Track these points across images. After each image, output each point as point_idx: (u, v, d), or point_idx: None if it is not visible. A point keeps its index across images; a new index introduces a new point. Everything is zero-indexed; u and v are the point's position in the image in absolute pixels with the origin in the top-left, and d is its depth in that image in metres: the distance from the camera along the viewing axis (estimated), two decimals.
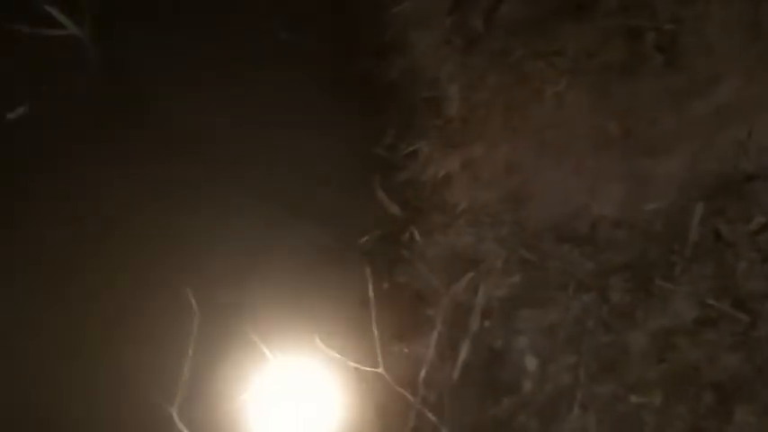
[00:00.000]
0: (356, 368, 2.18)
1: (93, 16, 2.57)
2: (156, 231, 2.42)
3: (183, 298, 2.21)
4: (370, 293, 2.28)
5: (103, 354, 2.31)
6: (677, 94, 2.36)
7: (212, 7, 2.64)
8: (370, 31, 2.63)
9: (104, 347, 2.33)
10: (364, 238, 2.50)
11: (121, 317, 2.34)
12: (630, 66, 2.42)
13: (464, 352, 2.31)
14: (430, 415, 2.11)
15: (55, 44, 2.57)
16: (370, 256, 2.48)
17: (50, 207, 2.47)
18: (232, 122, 2.54)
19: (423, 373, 2.25)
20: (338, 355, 2.17)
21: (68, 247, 2.45)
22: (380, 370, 2.19)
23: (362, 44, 2.62)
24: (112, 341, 2.32)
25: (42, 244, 2.45)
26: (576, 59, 2.47)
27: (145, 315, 2.34)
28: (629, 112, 2.39)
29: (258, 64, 2.61)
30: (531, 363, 2.28)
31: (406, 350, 2.37)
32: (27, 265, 2.42)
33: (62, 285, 2.40)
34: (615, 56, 2.46)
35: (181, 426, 2.03)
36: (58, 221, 2.46)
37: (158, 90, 2.58)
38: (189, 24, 2.64)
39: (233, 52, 2.60)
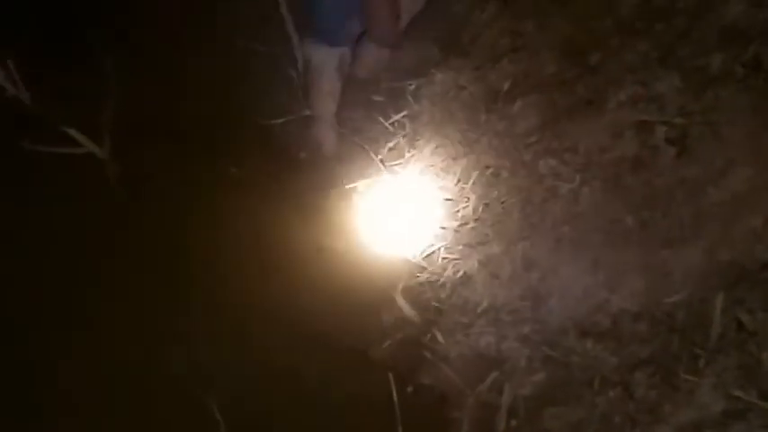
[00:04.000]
0: None
1: (112, 135, 2.90)
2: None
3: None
4: (395, 397, 2.52)
5: None
6: (691, 185, 2.62)
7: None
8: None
9: None
10: (386, 343, 2.75)
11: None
12: (643, 159, 2.70)
13: None
14: None
15: (74, 162, 2.88)
16: (393, 359, 2.70)
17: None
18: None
19: None
20: None
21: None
22: None
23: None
24: None
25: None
26: (589, 155, 2.76)
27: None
28: (645, 205, 2.66)
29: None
30: None
31: None
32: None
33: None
34: (627, 150, 2.74)
35: None
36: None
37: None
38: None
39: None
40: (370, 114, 2.94)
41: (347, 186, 2.96)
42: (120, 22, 3.11)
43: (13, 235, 2.86)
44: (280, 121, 3.04)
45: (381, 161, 2.91)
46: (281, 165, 2.99)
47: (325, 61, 2.85)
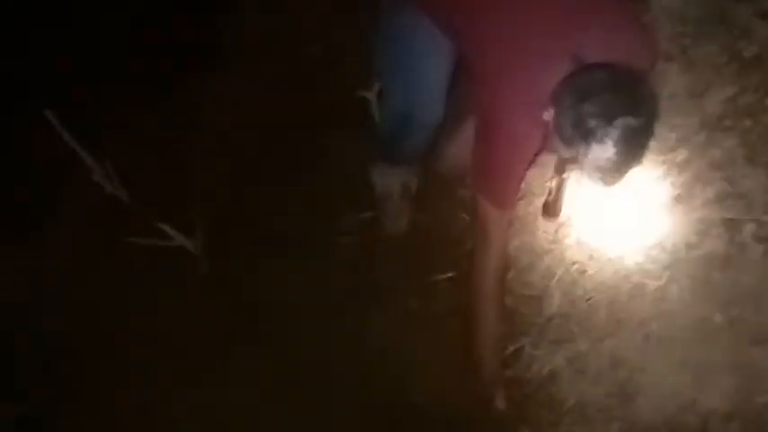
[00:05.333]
0: None
1: (205, 231, 3.10)
2: None
3: None
4: None
5: None
6: None
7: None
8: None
9: None
10: None
11: None
12: (731, 256, 2.80)
13: None
14: None
15: (167, 255, 3.09)
16: None
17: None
18: None
19: None
20: None
21: None
22: None
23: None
24: None
25: None
26: (677, 252, 2.86)
27: None
28: (733, 302, 2.75)
29: None
30: None
31: None
32: None
33: None
34: (715, 247, 2.84)
35: None
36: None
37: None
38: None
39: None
40: (452, 210, 3.04)
41: (433, 279, 3.02)
42: (218, 123, 3.27)
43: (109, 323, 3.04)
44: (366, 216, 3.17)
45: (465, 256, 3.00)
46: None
47: (390, 185, 2.97)
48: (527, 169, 2.29)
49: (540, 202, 2.97)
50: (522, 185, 2.46)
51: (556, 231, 2.97)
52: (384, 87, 2.71)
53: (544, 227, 3.00)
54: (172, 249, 3.03)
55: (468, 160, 2.44)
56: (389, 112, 2.69)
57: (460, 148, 2.76)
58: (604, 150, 1.94)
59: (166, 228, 2.97)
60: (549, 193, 2.85)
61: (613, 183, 2.05)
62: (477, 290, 2.50)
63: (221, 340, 3.00)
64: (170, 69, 3.37)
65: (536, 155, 2.26)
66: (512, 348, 2.85)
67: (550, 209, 2.86)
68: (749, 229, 2.71)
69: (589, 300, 2.83)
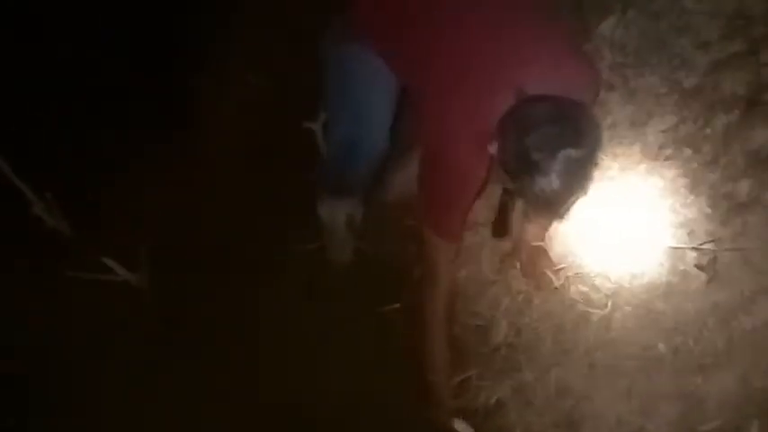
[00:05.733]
0: None
1: (151, 266, 3.07)
2: None
3: None
4: None
5: None
6: (722, 311, 2.74)
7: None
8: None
9: None
10: None
11: None
12: (673, 284, 2.83)
13: None
14: None
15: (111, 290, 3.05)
16: None
17: None
18: None
19: None
20: None
21: None
22: None
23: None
24: None
25: None
26: (620, 281, 2.89)
27: None
28: (676, 331, 2.78)
29: None
30: None
31: None
32: None
33: None
34: (658, 275, 2.87)
35: None
36: None
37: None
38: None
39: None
40: (398, 240, 3.04)
41: (379, 310, 3.03)
42: (162, 153, 3.25)
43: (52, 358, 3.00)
44: (312, 246, 3.15)
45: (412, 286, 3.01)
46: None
47: (335, 217, 2.97)
48: (473, 200, 2.30)
49: (485, 231, 2.96)
50: (469, 216, 2.42)
51: (501, 261, 2.95)
52: (330, 117, 2.70)
53: (490, 257, 2.97)
54: (116, 284, 2.95)
55: (413, 190, 2.41)
56: (335, 141, 2.70)
57: (406, 177, 2.78)
58: (548, 182, 1.95)
59: (110, 262, 2.91)
60: (499, 213, 2.85)
61: (558, 214, 2.06)
62: (425, 320, 2.52)
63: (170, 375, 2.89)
64: (111, 99, 3.27)
65: (482, 186, 2.26)
66: (459, 378, 2.83)
67: (500, 228, 2.85)
68: (691, 257, 2.75)
69: (536, 329, 2.80)
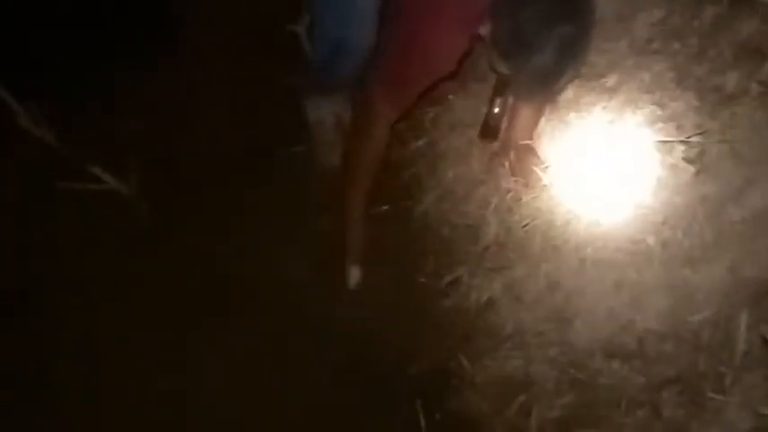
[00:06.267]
0: None
1: (137, 172, 3.05)
2: None
3: None
4: (423, 425, 2.65)
5: None
6: (711, 203, 2.74)
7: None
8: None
9: None
10: (413, 370, 2.87)
11: None
12: (662, 178, 2.83)
13: None
14: None
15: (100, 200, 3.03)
16: (420, 386, 2.82)
17: None
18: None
19: None
20: None
21: None
22: None
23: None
24: None
25: None
26: (609, 177, 2.88)
27: None
28: (665, 224, 2.78)
29: None
30: None
31: None
32: None
33: None
34: (647, 170, 2.86)
35: None
36: None
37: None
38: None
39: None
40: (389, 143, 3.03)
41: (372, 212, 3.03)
42: (146, 57, 3.20)
43: (40, 269, 3.00)
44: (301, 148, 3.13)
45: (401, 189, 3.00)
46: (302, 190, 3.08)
47: (323, 116, 2.95)
48: (429, 87, 2.26)
49: (473, 132, 2.95)
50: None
51: (490, 160, 2.94)
52: (316, 16, 2.66)
53: (478, 157, 2.95)
54: (104, 193, 2.93)
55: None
56: (321, 40, 2.68)
57: None
58: (542, 59, 1.92)
59: (99, 171, 2.88)
60: (488, 115, 2.83)
61: (552, 94, 2.04)
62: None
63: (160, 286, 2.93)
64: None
65: (445, 75, 2.23)
66: (449, 278, 2.84)
67: (489, 131, 2.84)
68: (679, 150, 2.74)
69: (525, 226, 2.80)
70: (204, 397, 2.84)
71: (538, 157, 2.85)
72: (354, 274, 2.82)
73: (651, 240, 2.71)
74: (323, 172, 3.10)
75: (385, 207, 3.01)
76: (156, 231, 3.05)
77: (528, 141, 2.83)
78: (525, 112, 2.76)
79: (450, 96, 3.15)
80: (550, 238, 2.83)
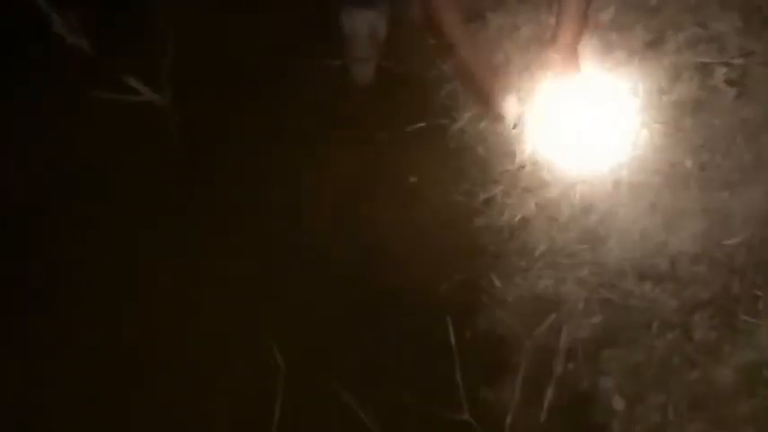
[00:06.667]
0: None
1: (171, 83, 3.04)
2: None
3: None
4: (453, 341, 2.66)
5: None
6: (751, 127, 2.71)
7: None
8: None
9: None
10: (444, 286, 2.88)
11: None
12: (702, 101, 2.79)
13: (550, 395, 2.62)
14: None
15: (134, 110, 3.03)
16: (451, 303, 2.83)
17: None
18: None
19: (509, 419, 2.60)
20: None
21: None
22: (466, 416, 2.56)
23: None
24: None
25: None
26: (648, 97, 2.85)
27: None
28: (704, 147, 2.76)
29: None
30: (618, 403, 2.60)
31: (491, 397, 2.70)
32: None
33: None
34: (686, 92, 2.83)
35: None
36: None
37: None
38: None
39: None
40: (426, 59, 2.99)
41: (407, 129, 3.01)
42: None
43: (72, 180, 3.02)
44: (337, 62, 3.10)
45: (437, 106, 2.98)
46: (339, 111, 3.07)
47: (357, 27, 2.91)
48: None
49: (509, 48, 2.91)
50: None
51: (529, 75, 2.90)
52: None
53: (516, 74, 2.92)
54: (138, 104, 2.92)
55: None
56: None
57: None
58: None
59: (133, 81, 2.87)
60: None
61: None
62: None
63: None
64: None
65: None
66: (483, 197, 2.84)
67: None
68: (721, 72, 2.72)
69: (560, 146, 2.78)
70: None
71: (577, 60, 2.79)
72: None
73: (688, 163, 2.68)
74: (357, 87, 3.02)
75: (421, 124, 2.95)
76: (188, 143, 2.99)
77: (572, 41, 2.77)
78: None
79: (487, 12, 3.09)
80: (585, 158, 2.79)
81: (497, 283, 2.82)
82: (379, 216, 2.96)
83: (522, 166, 2.86)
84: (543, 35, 2.92)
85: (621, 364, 2.62)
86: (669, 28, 2.83)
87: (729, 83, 2.69)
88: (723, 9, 2.77)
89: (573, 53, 2.72)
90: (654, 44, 2.83)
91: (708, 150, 2.67)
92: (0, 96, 3.12)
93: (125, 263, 2.97)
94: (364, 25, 2.85)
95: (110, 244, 3.00)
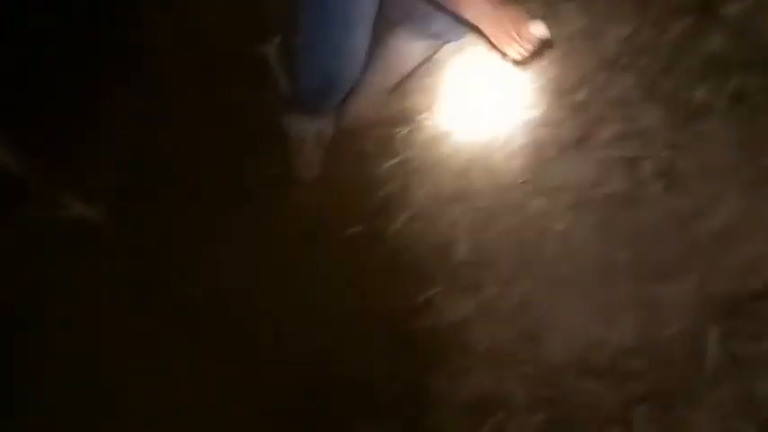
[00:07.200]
0: None
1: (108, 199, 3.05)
2: None
3: None
4: None
5: None
6: (680, 218, 2.77)
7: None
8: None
9: None
10: (387, 388, 2.88)
11: None
12: (632, 194, 2.84)
13: None
14: None
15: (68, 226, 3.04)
16: (395, 406, 2.83)
17: None
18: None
19: None
20: None
21: None
22: None
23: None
24: None
25: None
26: (580, 193, 2.90)
27: None
28: (636, 239, 2.80)
29: None
30: None
31: None
32: None
33: None
34: (617, 186, 2.88)
35: None
36: None
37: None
38: None
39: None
40: (359, 165, 3.04)
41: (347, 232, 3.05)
42: (111, 87, 3.21)
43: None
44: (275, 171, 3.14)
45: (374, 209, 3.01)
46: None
47: (305, 132, 2.96)
48: None
49: (445, 149, 2.95)
50: None
51: (462, 175, 2.94)
52: (307, 52, 2.67)
53: (450, 172, 2.96)
54: (72, 220, 2.93)
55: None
56: (313, 74, 2.70)
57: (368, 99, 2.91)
58: None
59: (67, 198, 2.89)
60: None
61: None
62: None
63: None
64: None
65: None
66: (422, 298, 2.83)
67: None
68: (649, 165, 2.77)
69: (497, 244, 2.82)
70: None
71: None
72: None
73: (622, 256, 2.72)
74: (301, 188, 3.05)
75: (358, 228, 2.97)
76: (124, 258, 3.00)
77: None
78: None
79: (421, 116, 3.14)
80: (522, 255, 2.84)
81: (442, 384, 2.77)
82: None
83: (460, 265, 2.86)
84: None
85: None
86: (596, 123, 2.84)
87: (657, 175, 2.74)
88: (647, 103, 2.81)
89: None
90: (583, 140, 2.83)
91: (639, 242, 2.69)
92: None
93: None
94: (312, 131, 2.88)
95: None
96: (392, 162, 3.05)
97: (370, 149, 3.01)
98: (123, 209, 3.02)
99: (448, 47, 2.88)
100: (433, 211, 2.98)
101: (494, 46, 2.30)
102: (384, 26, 2.65)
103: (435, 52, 2.95)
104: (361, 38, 2.55)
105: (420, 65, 2.90)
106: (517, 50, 2.30)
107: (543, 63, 2.95)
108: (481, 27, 2.33)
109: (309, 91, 2.74)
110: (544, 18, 2.38)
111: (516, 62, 2.35)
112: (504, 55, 2.32)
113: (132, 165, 3.10)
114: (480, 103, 3.01)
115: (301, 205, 3.08)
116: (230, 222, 3.03)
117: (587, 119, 2.92)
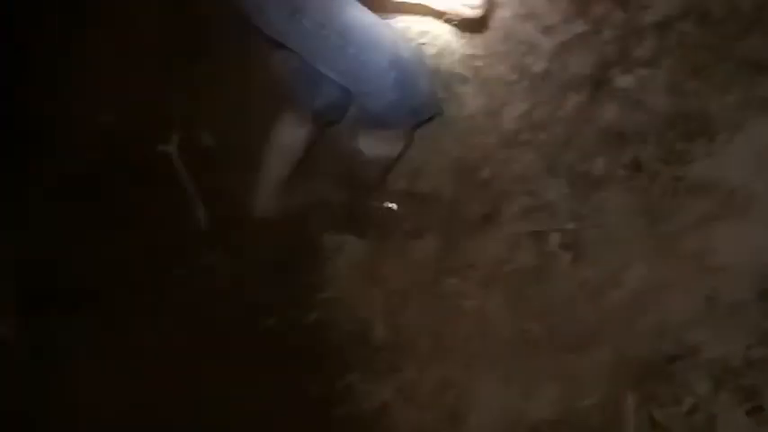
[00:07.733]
0: None
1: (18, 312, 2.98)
2: None
3: None
4: None
5: None
6: (591, 288, 2.80)
7: None
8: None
9: None
10: None
11: None
12: (541, 267, 2.88)
13: None
14: None
15: None
16: None
17: None
18: None
19: None
20: None
21: None
22: None
23: None
24: None
25: None
26: (489, 270, 2.93)
27: None
28: (549, 312, 2.83)
29: None
30: None
31: None
32: None
33: None
34: (526, 260, 2.91)
35: None
36: None
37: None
38: None
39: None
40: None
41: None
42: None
43: None
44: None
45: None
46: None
47: (294, 137, 3.06)
48: None
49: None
50: None
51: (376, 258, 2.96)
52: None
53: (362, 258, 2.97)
54: None
55: None
56: (326, 93, 2.91)
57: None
58: None
59: None
60: None
61: None
62: None
63: None
64: None
65: None
66: (341, 384, 2.80)
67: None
68: (556, 238, 2.80)
69: (413, 327, 2.82)
70: None
71: None
72: None
73: (536, 329, 2.74)
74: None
75: (273, 319, 2.96)
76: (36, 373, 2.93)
77: None
78: None
79: None
80: (438, 336, 2.84)
81: None
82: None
83: (377, 351, 2.85)
84: None
85: None
86: (502, 200, 2.88)
87: (564, 247, 2.78)
88: (549, 177, 2.86)
89: None
90: (489, 217, 2.87)
91: (553, 314, 2.72)
92: None
93: None
94: (302, 137, 3.06)
95: None
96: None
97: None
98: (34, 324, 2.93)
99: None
100: (350, 295, 2.94)
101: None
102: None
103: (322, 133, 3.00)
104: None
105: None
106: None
107: (445, 142, 2.96)
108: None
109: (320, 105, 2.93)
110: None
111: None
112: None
113: (46, 273, 3.01)
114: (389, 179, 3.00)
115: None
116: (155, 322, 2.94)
117: (492, 195, 2.93)
